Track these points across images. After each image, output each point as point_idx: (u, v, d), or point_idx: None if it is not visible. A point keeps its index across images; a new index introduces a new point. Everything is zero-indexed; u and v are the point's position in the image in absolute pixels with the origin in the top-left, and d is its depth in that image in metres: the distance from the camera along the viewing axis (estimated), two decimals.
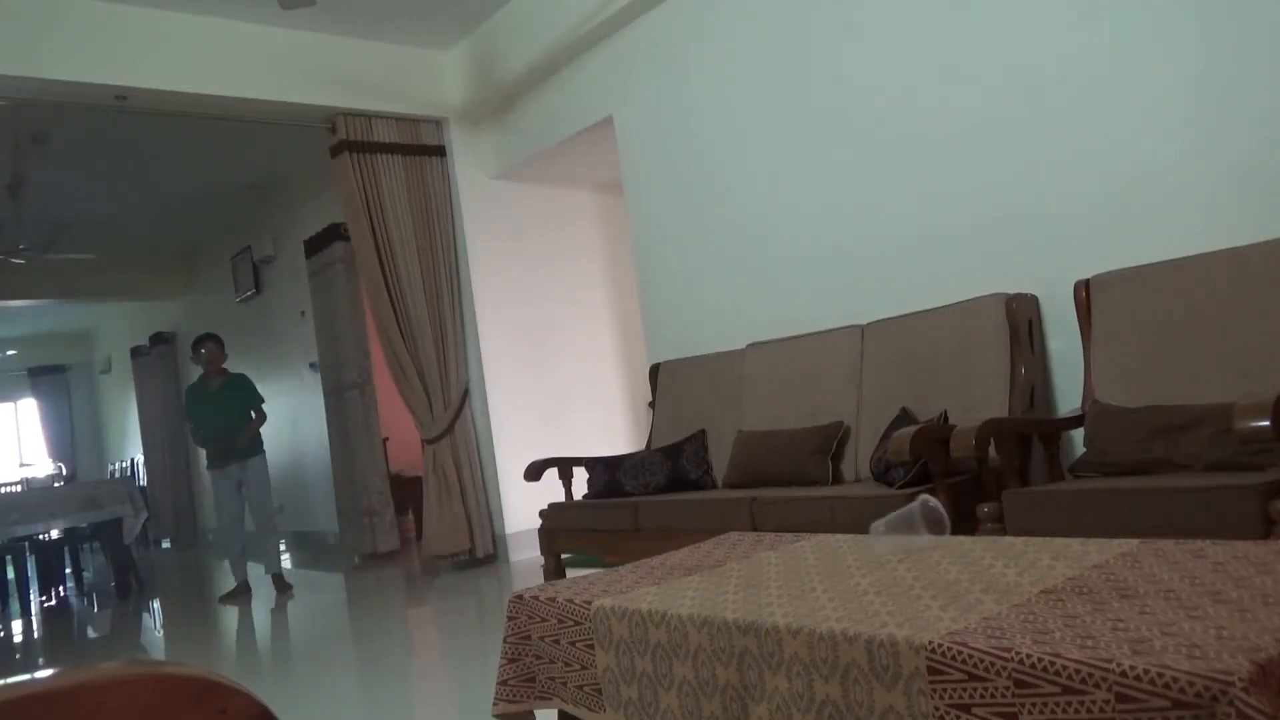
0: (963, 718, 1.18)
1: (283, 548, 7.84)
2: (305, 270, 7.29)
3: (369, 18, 5.07)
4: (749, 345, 4.06)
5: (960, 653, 1.19)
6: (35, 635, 5.56)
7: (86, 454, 13.46)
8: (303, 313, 7.60)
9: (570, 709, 1.86)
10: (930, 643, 1.22)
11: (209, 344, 5.74)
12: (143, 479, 10.74)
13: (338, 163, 5.38)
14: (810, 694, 1.37)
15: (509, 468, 5.44)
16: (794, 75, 3.93)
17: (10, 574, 6.85)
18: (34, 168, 6.46)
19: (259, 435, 5.73)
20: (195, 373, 5.95)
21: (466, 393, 5.59)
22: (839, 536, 2.15)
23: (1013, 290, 3.12)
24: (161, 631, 5.25)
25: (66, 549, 7.60)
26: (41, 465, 12.70)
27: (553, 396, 5.81)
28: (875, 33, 3.60)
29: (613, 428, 6.02)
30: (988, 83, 3.26)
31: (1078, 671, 1.08)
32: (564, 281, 6.02)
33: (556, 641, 1.88)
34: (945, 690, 1.20)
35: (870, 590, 1.56)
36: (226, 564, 5.83)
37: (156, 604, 6.25)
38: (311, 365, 7.50)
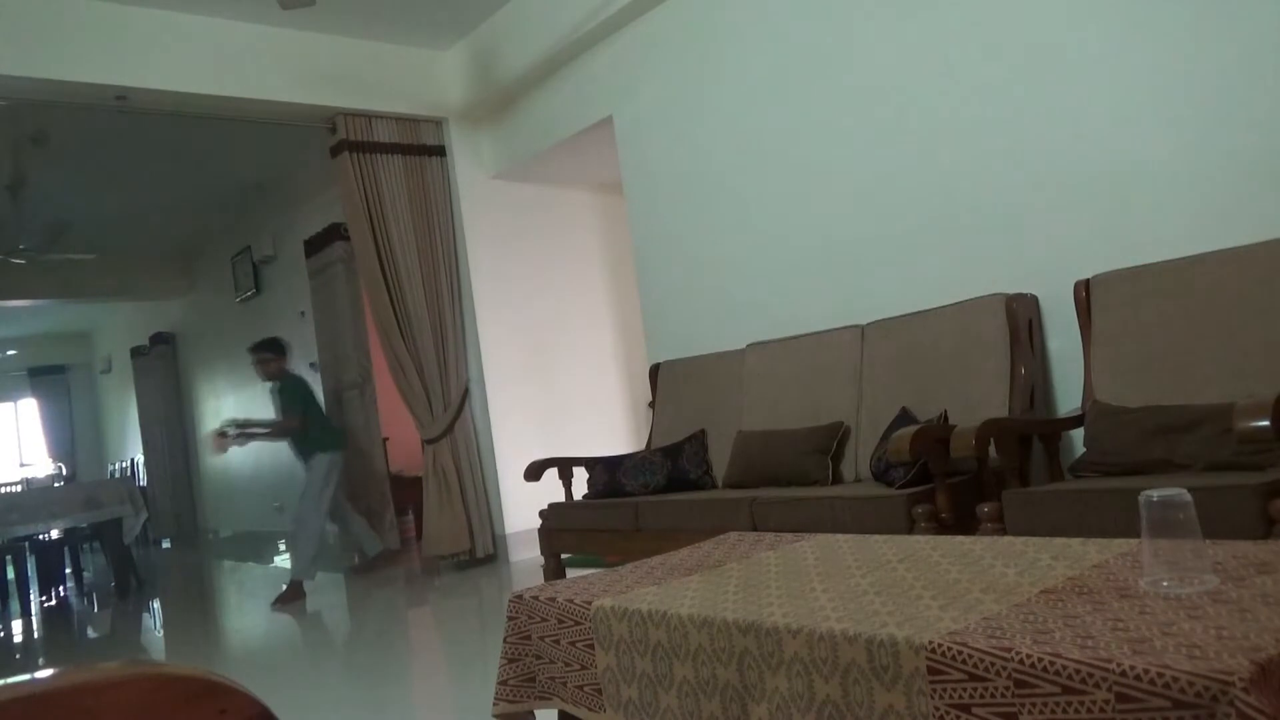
0: (963, 718, 1.18)
1: (282, 547, 7.85)
2: (305, 270, 7.29)
3: (369, 18, 5.07)
4: (749, 345, 4.05)
5: (960, 653, 1.19)
6: (35, 635, 5.56)
7: (86, 454, 13.45)
8: (303, 313, 7.60)
9: (570, 709, 1.86)
10: (930, 643, 1.22)
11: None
12: (143, 479, 10.74)
13: (338, 163, 5.38)
14: (810, 694, 1.37)
15: (509, 468, 5.44)
16: (794, 75, 3.93)
17: (10, 574, 6.84)
18: (34, 168, 6.46)
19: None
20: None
21: (466, 393, 5.58)
22: (839, 536, 2.15)
23: (1013, 290, 3.12)
24: (161, 631, 5.25)
25: (66, 549, 7.59)
26: (41, 465, 12.69)
27: (553, 396, 5.81)
28: (874, 34, 3.61)
29: (613, 428, 6.02)
30: (987, 82, 3.26)
31: (1078, 671, 1.07)
32: (564, 281, 6.02)
33: (556, 641, 1.88)
34: (945, 690, 1.20)
35: (870, 590, 1.55)
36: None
37: (156, 604, 6.25)
38: (311, 365, 7.50)
